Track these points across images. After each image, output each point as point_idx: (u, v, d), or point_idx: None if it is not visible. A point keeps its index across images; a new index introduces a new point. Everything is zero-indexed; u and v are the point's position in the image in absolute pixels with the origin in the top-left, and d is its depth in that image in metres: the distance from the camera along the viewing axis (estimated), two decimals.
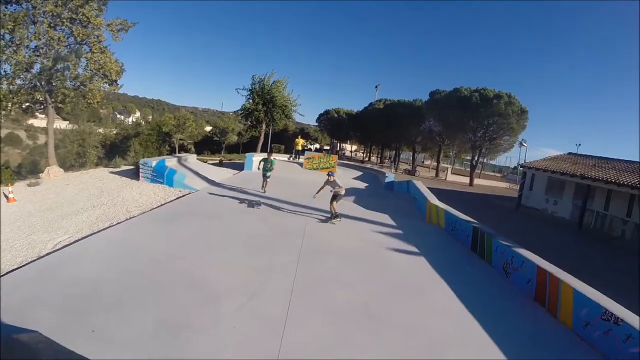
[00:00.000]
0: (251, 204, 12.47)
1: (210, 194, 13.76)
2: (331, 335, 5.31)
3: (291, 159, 25.34)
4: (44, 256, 7.29)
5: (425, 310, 6.52)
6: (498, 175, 62.60)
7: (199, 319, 5.26)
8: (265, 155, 15.11)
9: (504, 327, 6.21)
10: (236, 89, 33.13)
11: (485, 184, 45.24)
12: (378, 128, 50.32)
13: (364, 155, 71.65)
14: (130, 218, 10.04)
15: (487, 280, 8.40)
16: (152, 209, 10.98)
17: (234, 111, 36.61)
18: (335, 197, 11.24)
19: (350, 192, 15.99)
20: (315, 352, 4.88)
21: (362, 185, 20.35)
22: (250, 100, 32.35)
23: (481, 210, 22.25)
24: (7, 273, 6.38)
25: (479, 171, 54.99)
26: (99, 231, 8.92)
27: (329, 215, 11.56)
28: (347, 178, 20.44)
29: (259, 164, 14.48)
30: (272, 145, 36.92)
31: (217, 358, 4.53)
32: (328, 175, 11.35)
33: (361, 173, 24.36)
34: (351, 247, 9.32)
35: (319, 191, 11.55)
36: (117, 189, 13.70)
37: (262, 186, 14.74)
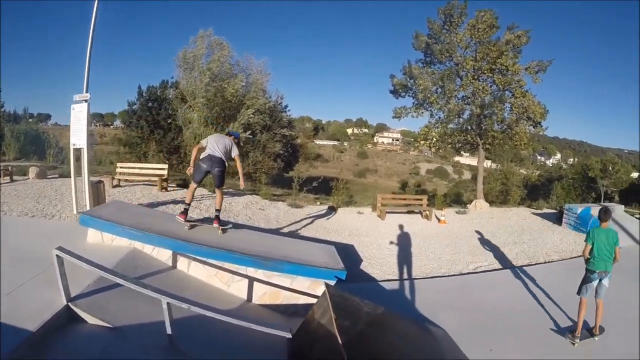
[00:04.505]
0: None
1: None
2: None
3: None
4: (464, 274, 8.14)
5: None
6: None
7: None
8: None
9: None
10: None
11: None
12: None
13: None
14: (548, 262, 9.61)
15: None
16: (571, 258, 10.02)
17: None
18: None
19: None
20: None
21: None
22: None
23: None
24: (430, 277, 7.74)
25: None
26: (517, 266, 8.95)
27: None
28: None
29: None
30: None
31: None
32: None
33: None
34: None
35: None
36: (538, 231, 13.33)
37: None
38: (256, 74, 22.68)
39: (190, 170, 6.47)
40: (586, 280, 5.25)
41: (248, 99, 21.44)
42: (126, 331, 3.83)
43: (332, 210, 13.44)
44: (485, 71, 18.11)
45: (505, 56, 17.61)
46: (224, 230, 6.46)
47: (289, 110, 27.65)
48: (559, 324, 5.79)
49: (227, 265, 5.58)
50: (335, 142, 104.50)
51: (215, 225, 6.43)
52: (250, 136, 20.72)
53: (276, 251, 5.92)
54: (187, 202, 6.49)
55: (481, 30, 17.81)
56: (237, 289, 5.56)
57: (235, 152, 6.58)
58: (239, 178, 7.06)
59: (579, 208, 14.01)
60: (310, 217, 11.93)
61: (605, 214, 5.38)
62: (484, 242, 11.07)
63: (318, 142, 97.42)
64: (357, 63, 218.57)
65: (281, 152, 23.36)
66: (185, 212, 6.36)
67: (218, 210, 6.59)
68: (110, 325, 3.85)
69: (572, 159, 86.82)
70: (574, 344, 5.14)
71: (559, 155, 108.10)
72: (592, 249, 5.20)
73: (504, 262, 9.26)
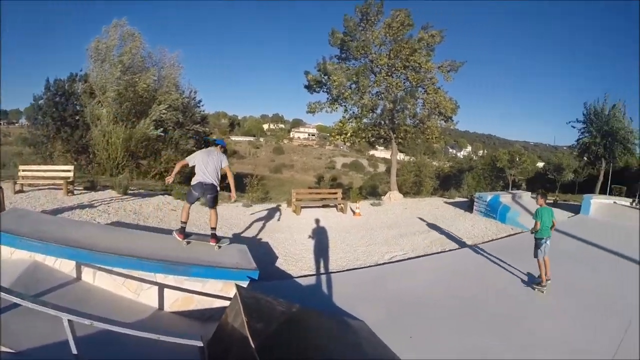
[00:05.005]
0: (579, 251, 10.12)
1: None
2: None
3: (634, 204, 18.48)
4: (380, 264, 8.20)
5: None
6: None
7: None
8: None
9: None
10: (568, 122, 29.12)
11: None
12: None
13: None
14: (461, 247, 10.08)
15: None
16: (484, 243, 10.67)
17: (569, 146, 32.27)
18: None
19: None
20: None
21: None
22: (587, 134, 27.79)
23: None
24: (346, 270, 7.67)
25: None
26: (432, 254, 9.31)
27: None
28: None
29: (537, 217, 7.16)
30: (613, 186, 29.46)
31: None
32: None
33: None
34: None
35: None
36: (451, 219, 14.00)
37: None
38: (169, 67, 21.70)
39: (169, 180, 6.35)
40: (538, 246, 6.95)
41: (160, 94, 20.53)
42: (31, 354, 3.43)
43: (246, 207, 13.10)
44: (399, 68, 18.66)
45: (418, 54, 18.30)
46: (220, 247, 6.22)
47: (202, 106, 27.07)
48: (475, 308, 6.08)
49: (134, 272, 5.17)
50: (251, 138, 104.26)
51: (212, 243, 6.18)
52: (162, 133, 19.70)
53: (186, 254, 5.62)
54: (182, 220, 6.25)
55: (395, 28, 18.34)
56: (147, 297, 5.17)
57: (225, 163, 6.29)
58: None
59: (489, 196, 14.94)
60: (224, 216, 11.47)
61: (545, 197, 7.36)
62: (399, 232, 11.34)
63: (234, 138, 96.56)
64: (273, 57, 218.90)
65: (194, 149, 22.58)
66: (182, 231, 6.16)
67: (214, 229, 6.32)
68: (13, 350, 3.42)
69: (481, 151, 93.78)
70: (542, 291, 6.76)
71: (469, 148, 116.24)
72: (539, 223, 6.97)
73: (419, 251, 9.53)
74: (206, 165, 6.06)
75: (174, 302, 5.21)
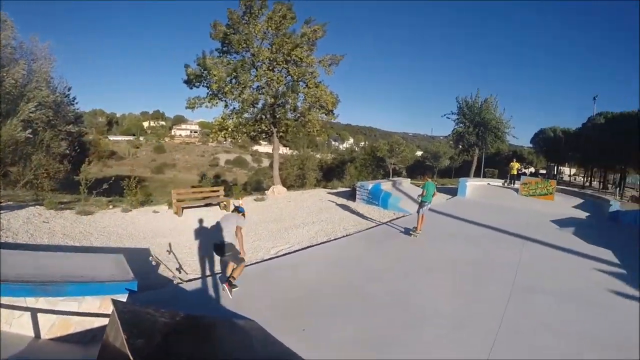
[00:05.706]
0: (459, 229, 11.54)
1: None
2: None
3: (505, 184, 22.42)
4: (266, 260, 8.22)
5: None
6: None
7: (399, 338, 5.06)
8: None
9: None
10: (443, 115, 32.21)
11: None
12: (599, 148, 36.35)
13: (585, 179, 55.22)
14: (346, 235, 10.51)
15: None
16: (368, 229, 11.26)
17: (445, 136, 35.79)
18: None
19: (569, 223, 13.44)
20: None
21: (582, 214, 16.10)
22: (461, 125, 31.03)
23: None
24: None
25: None
26: (317, 244, 9.58)
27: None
28: (566, 207, 17.16)
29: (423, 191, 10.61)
30: (487, 170, 34.14)
31: None
32: None
33: (582, 201, 19.25)
34: (572, 287, 7.19)
35: None
36: (335, 208, 14.56)
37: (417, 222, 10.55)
38: (40, 59, 18.91)
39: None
40: (421, 206, 10.26)
41: (29, 91, 17.78)
42: None
43: (125, 212, 12.10)
44: (281, 62, 18.78)
45: (300, 48, 18.56)
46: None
47: (77, 103, 24.22)
48: (363, 293, 6.42)
49: (2, 299, 4.36)
50: (131, 137, 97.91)
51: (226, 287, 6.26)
52: (31, 135, 17.22)
53: (58, 271, 5.00)
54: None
55: (277, 22, 18.42)
56: (20, 326, 4.43)
57: (238, 224, 6.47)
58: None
59: (370, 184, 15.88)
60: (101, 224, 10.52)
61: (430, 175, 11.05)
62: (283, 226, 11.52)
63: (112, 137, 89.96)
64: (154, 50, 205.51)
65: (67, 152, 20.13)
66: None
67: (232, 277, 6.35)
68: None
69: (363, 143, 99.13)
70: (416, 236, 10.10)
71: (351, 140, 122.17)
72: (425, 192, 10.20)
73: (304, 242, 9.77)
74: (222, 229, 6.40)
75: (51, 327, 4.56)
